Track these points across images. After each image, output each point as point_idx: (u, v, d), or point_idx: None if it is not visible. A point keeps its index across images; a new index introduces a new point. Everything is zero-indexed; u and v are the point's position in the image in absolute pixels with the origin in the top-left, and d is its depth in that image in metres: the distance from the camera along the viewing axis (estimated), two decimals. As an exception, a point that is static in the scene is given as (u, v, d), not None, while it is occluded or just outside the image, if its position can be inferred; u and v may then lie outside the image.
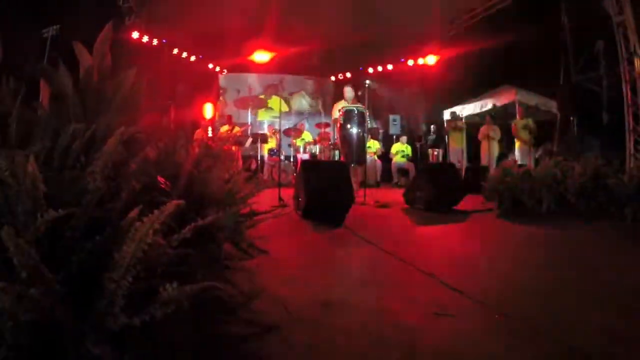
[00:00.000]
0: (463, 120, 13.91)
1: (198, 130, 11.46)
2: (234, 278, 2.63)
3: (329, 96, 19.34)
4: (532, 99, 13.37)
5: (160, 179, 1.78)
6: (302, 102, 19.14)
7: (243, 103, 17.27)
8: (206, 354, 1.69)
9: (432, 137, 14.29)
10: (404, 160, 13.56)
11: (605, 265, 3.53)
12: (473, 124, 13.87)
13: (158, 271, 1.35)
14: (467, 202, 6.84)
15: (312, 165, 6.00)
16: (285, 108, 17.06)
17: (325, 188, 5.32)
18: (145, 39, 13.87)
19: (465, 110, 14.83)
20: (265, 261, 2.99)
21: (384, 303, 2.36)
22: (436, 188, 6.22)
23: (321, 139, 12.15)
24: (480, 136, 13.22)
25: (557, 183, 6.18)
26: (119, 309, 1.10)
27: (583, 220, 5.66)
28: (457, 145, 13.48)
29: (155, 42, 14.39)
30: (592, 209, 5.98)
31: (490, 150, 12.83)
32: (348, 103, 8.46)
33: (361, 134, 7.82)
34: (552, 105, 13.21)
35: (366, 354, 1.78)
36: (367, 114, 8.14)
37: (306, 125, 14.62)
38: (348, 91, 8.78)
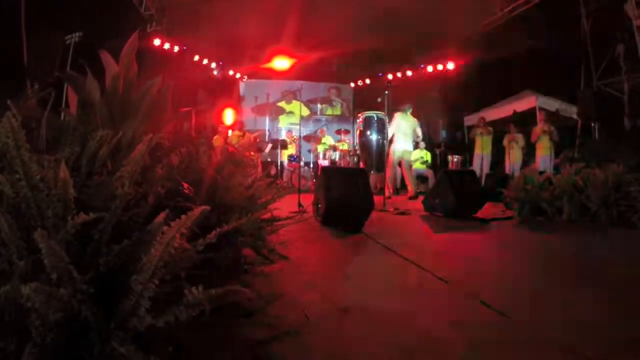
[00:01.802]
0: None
1: (215, 137, 11.58)
2: (254, 282, 2.66)
3: (348, 103, 19.49)
4: (553, 105, 13.31)
5: (184, 185, 1.81)
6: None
7: (261, 110, 17.48)
8: (224, 356, 1.72)
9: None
10: (423, 167, 13.48)
11: (627, 277, 3.49)
12: (494, 131, 13.81)
13: (182, 274, 1.38)
14: (487, 210, 6.81)
15: (332, 172, 6.00)
16: (305, 112, 17.20)
17: (345, 195, 5.32)
18: (167, 45, 14.07)
19: (486, 115, 14.78)
20: (284, 266, 3.02)
21: (401, 310, 2.37)
22: (455, 195, 6.18)
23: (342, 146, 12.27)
24: (505, 142, 13.16)
25: (578, 191, 6.13)
26: (144, 310, 1.13)
27: (604, 230, 5.61)
28: (480, 151, 13.40)
29: (176, 48, 14.58)
30: (614, 218, 5.92)
31: (513, 158, 12.77)
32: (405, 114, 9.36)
33: (381, 141, 7.82)
34: (573, 111, 13.09)
35: (383, 360, 1.79)
36: (386, 120, 8.12)
37: (326, 131, 14.70)
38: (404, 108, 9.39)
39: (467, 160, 13.81)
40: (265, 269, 2.92)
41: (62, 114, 1.60)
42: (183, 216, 1.26)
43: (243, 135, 12.61)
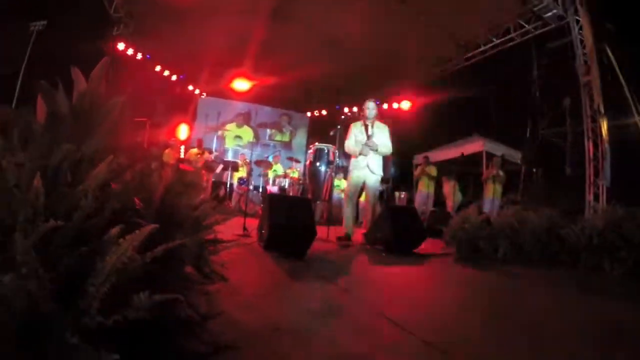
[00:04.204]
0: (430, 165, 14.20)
1: (167, 150, 11.52)
2: (193, 300, 2.76)
3: (303, 131, 19.76)
4: (499, 149, 13.88)
5: (137, 201, 1.92)
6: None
7: (209, 128, 17.57)
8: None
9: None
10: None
11: (546, 309, 3.74)
12: (441, 170, 14.23)
13: (131, 283, 1.50)
14: (429, 247, 7.07)
15: (277, 199, 6.16)
16: (253, 139, 17.42)
17: (289, 222, 5.46)
18: (130, 51, 14.02)
19: (434, 156, 15.24)
20: (223, 287, 3.12)
21: (329, 333, 2.54)
22: (396, 230, 6.39)
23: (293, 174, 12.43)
24: (445, 189, 13.68)
25: (514, 232, 6.44)
26: (95, 310, 1.26)
27: (536, 268, 5.96)
28: (425, 190, 13.78)
29: (139, 56, 14.54)
30: (547, 257, 6.26)
31: (453, 199, 13.23)
32: (369, 120, 7.64)
33: (329, 173, 7.93)
34: (518, 157, 13.71)
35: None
36: (337, 154, 8.16)
37: (280, 157, 14.88)
38: (370, 107, 7.73)
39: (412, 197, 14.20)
40: (204, 288, 3.01)
41: (31, 122, 1.69)
42: (137, 231, 1.40)
43: (202, 153, 12.63)
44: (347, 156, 7.94)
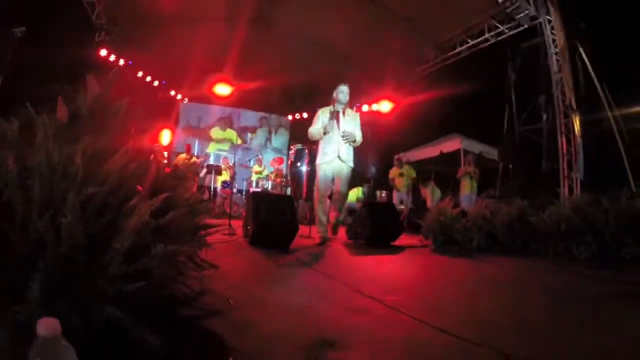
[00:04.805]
0: (406, 165, 14.42)
1: (152, 156, 11.70)
2: (187, 282, 3.10)
3: (285, 134, 19.98)
4: (477, 147, 14.24)
5: (139, 188, 2.25)
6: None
7: (190, 133, 17.69)
8: (169, 324, 2.18)
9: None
10: (354, 199, 13.94)
11: (503, 286, 4.11)
12: (420, 169, 14.52)
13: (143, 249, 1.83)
14: (407, 240, 7.49)
15: (261, 196, 6.47)
16: (239, 141, 17.59)
17: (273, 218, 5.78)
18: (113, 58, 14.15)
19: (414, 155, 15.54)
20: (214, 273, 3.46)
21: (308, 304, 2.93)
22: (375, 224, 6.76)
23: (275, 176, 12.69)
24: (423, 191, 14.03)
25: (487, 222, 6.80)
26: (118, 261, 1.60)
27: (508, 255, 6.30)
28: (403, 189, 14.06)
29: (121, 62, 14.68)
30: (518, 245, 6.65)
31: (432, 197, 13.58)
32: (341, 105, 7.10)
33: (310, 172, 8.10)
34: (495, 154, 14.09)
35: (285, 331, 2.33)
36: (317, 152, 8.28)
37: (263, 161, 15.09)
38: (344, 91, 7.19)
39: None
40: (196, 273, 3.35)
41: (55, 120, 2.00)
42: (154, 198, 1.76)
43: (190, 159, 12.89)
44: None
